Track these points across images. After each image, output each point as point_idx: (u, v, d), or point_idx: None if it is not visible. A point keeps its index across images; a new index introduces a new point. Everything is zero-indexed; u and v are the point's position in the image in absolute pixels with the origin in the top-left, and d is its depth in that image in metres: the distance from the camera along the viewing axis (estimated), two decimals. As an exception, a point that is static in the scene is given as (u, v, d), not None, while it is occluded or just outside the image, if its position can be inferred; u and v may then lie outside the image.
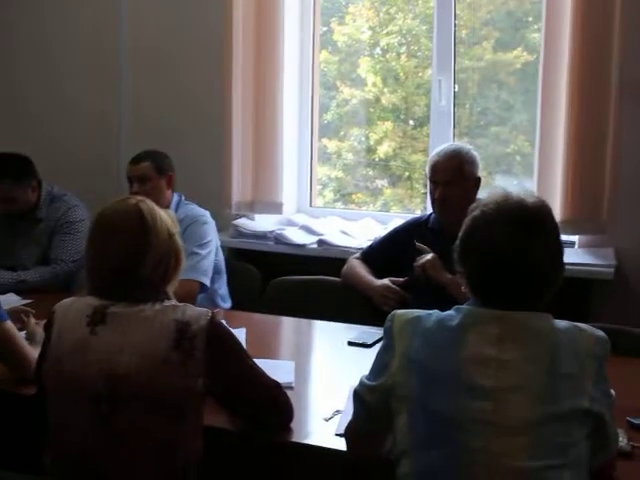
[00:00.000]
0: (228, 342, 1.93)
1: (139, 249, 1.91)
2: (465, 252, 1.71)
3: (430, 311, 1.73)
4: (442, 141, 3.54)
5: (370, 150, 4.25)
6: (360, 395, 1.76)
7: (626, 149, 3.26)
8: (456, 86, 3.80)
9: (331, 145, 4.26)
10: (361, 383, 1.77)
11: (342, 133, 4.29)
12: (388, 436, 1.76)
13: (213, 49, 3.86)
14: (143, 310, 1.88)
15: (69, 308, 1.96)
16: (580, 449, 1.59)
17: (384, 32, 4.14)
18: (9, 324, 2.29)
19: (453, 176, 2.92)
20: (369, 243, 3.35)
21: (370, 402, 1.73)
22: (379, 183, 4.30)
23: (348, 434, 1.86)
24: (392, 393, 1.67)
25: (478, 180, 2.97)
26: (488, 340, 1.61)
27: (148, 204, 1.98)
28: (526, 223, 1.64)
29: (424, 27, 4.07)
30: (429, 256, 2.88)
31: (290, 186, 3.96)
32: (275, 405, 2.01)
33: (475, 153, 3.02)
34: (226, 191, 3.78)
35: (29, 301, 3.05)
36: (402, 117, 4.20)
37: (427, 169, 3.06)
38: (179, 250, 2.01)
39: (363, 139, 4.27)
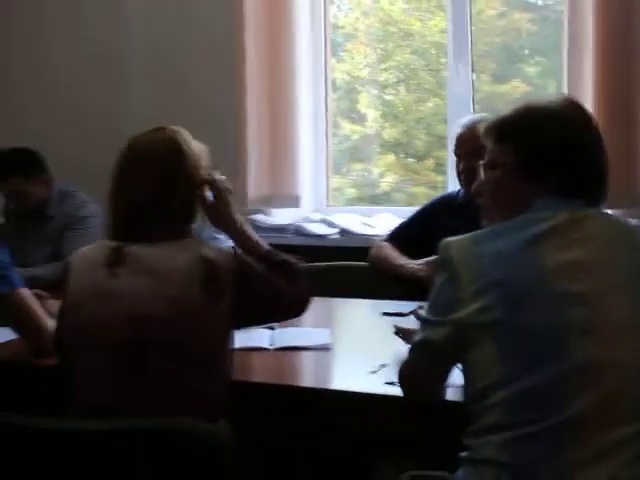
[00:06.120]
0: (254, 279, 1.82)
1: (172, 179, 1.79)
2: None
3: (489, 228, 1.62)
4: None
5: (373, 185, 4.20)
6: (425, 339, 1.60)
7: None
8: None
9: (333, 182, 4.20)
10: (424, 323, 1.61)
11: (345, 169, 4.25)
12: (445, 382, 1.67)
13: (225, 47, 3.81)
14: (164, 248, 1.75)
15: (85, 253, 1.84)
16: None
17: (382, 68, 4.18)
18: (25, 292, 2.13)
19: (475, 146, 2.85)
20: (396, 224, 3.23)
21: (438, 341, 1.56)
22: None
23: (405, 375, 1.70)
24: (470, 324, 1.50)
25: None
26: (570, 245, 1.50)
27: (184, 134, 1.88)
28: (574, 113, 1.63)
29: (422, 61, 4.13)
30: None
31: (306, 181, 3.86)
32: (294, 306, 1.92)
33: None
34: (241, 186, 3.62)
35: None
36: (403, 151, 4.18)
37: (453, 144, 3.02)
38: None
39: (366, 174, 4.23)
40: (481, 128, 1.74)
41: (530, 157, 1.61)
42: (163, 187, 1.78)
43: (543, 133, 1.61)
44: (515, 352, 1.46)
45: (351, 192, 4.24)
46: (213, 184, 1.94)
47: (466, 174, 2.88)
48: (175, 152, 1.81)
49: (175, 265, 1.71)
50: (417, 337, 1.63)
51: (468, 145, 2.87)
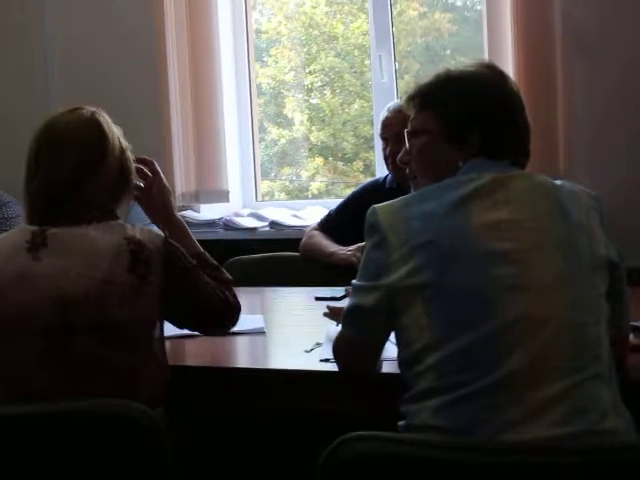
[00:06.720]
0: (184, 264, 1.78)
1: (94, 161, 1.74)
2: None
3: (416, 192, 1.62)
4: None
5: (303, 188, 4.20)
6: (356, 304, 1.57)
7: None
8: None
9: (263, 186, 4.19)
10: (355, 290, 1.59)
11: (274, 174, 4.24)
12: (380, 353, 1.64)
13: (147, 54, 3.76)
14: (89, 230, 1.69)
15: (5, 239, 1.76)
16: (605, 305, 1.51)
17: (307, 71, 4.20)
18: None
19: (402, 129, 2.85)
20: (326, 213, 3.21)
21: (370, 306, 1.53)
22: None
23: (340, 349, 1.66)
24: (400, 288, 1.49)
25: None
26: (496, 205, 1.50)
27: (102, 113, 1.82)
28: (494, 78, 1.65)
29: (346, 64, 4.16)
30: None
31: (235, 184, 3.82)
32: (225, 309, 1.87)
33: None
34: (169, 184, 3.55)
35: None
36: (331, 154, 4.20)
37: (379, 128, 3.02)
38: (130, 167, 1.84)
39: (295, 178, 4.23)
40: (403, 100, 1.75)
41: (453, 122, 1.62)
42: (83, 168, 1.73)
43: (464, 97, 1.62)
44: (445, 314, 1.45)
45: (281, 196, 4.23)
46: (145, 166, 1.97)
47: (393, 158, 2.87)
48: (94, 131, 1.76)
49: (101, 246, 1.66)
50: (349, 304, 1.60)
51: (395, 128, 2.84)
